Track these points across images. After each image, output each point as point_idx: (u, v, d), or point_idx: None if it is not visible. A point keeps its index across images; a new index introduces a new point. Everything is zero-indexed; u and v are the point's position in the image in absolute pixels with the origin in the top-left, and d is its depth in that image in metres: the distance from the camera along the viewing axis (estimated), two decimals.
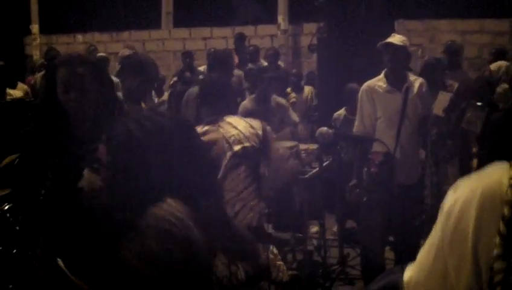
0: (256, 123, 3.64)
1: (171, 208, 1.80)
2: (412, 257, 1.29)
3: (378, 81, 4.50)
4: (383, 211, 4.37)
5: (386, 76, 4.48)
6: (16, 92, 5.81)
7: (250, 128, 3.58)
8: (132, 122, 1.87)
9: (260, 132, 3.59)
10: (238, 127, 3.57)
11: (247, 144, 3.53)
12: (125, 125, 1.87)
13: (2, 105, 4.33)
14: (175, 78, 7.76)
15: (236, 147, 3.51)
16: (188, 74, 7.60)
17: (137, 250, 1.72)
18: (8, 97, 5.28)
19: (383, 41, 4.40)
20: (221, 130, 3.55)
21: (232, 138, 3.53)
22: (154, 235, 1.74)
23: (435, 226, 1.25)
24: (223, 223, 1.97)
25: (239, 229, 2.08)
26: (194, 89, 5.14)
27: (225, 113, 3.63)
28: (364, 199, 4.44)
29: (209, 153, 2.06)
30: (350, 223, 5.89)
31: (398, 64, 4.42)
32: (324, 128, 3.23)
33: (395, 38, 4.42)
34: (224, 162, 3.47)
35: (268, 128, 3.70)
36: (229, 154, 3.50)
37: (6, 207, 2.94)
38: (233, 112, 4.39)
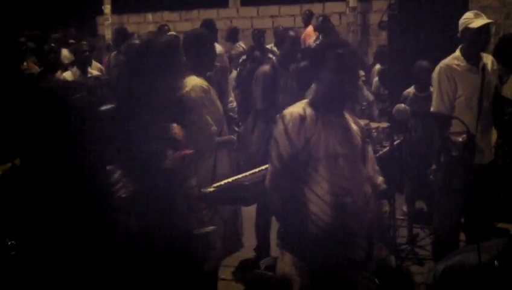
0: None
1: None
2: (483, 238, 1.28)
3: (456, 60, 4.38)
4: (460, 193, 4.30)
5: (462, 54, 4.37)
6: (93, 71, 6.14)
7: None
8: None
9: None
10: None
11: None
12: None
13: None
14: (244, 57, 7.79)
15: None
16: (257, 52, 7.61)
17: None
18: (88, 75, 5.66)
19: (486, 23, 4.24)
20: None
21: None
22: None
23: None
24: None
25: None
26: (264, 68, 5.14)
27: None
28: (442, 182, 4.35)
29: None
30: (419, 204, 5.84)
31: (482, 44, 4.30)
32: (401, 105, 3.15)
33: (485, 18, 4.27)
34: None
35: None
36: None
37: None
38: None
